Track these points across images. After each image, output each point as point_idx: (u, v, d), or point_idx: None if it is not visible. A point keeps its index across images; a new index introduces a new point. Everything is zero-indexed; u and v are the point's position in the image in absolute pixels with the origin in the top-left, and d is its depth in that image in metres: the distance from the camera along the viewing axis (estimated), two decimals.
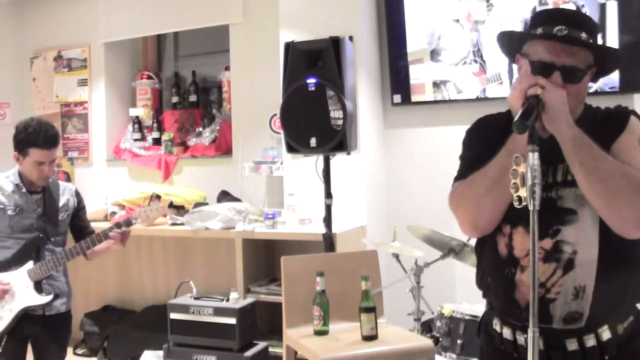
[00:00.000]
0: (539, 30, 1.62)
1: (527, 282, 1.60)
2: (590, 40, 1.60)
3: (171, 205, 3.15)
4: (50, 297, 2.89)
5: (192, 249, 4.59)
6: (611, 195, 1.50)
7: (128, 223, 3.00)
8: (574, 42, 1.58)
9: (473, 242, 1.84)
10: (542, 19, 1.65)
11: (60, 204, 3.02)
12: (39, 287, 2.88)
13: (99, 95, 5.26)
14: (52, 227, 2.97)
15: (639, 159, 1.55)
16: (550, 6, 3.66)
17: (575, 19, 1.63)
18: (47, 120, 2.96)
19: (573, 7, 3.55)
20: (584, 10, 3.53)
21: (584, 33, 1.59)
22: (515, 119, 1.46)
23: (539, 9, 3.63)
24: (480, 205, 1.64)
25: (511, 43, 1.79)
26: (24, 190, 2.93)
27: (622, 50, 3.47)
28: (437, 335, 3.29)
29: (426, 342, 2.79)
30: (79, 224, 3.10)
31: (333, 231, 3.39)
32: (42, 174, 2.89)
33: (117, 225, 2.98)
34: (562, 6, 3.59)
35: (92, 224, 3.23)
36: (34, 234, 2.91)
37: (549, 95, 1.52)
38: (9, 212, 2.88)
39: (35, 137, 2.81)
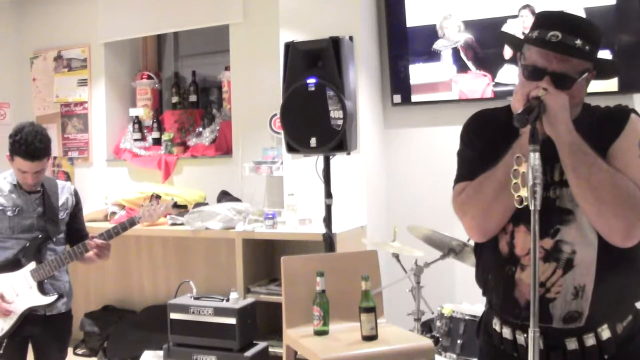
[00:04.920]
0: (535, 34, 1.61)
1: (526, 281, 1.61)
2: (587, 47, 1.58)
3: (175, 205, 3.15)
4: (54, 297, 2.89)
5: (192, 249, 4.59)
6: (600, 205, 1.51)
7: (132, 223, 3.00)
8: (564, 50, 1.57)
9: (473, 241, 1.84)
10: (541, 22, 1.64)
11: (60, 202, 3.01)
12: (42, 287, 2.88)
13: (99, 95, 5.26)
14: (53, 226, 2.95)
15: (634, 166, 1.55)
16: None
17: (573, 24, 1.60)
18: (42, 129, 2.86)
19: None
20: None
21: (579, 40, 1.57)
22: (516, 113, 1.48)
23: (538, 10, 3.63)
24: (489, 211, 1.63)
25: (512, 42, 1.79)
26: (22, 190, 2.92)
27: (620, 50, 3.48)
28: (437, 335, 3.29)
29: (426, 342, 2.79)
30: (75, 225, 3.07)
31: (333, 231, 3.39)
32: (25, 181, 2.88)
33: (102, 235, 2.94)
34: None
35: (92, 224, 3.22)
36: (35, 234, 2.91)
37: (550, 98, 1.53)
38: (9, 213, 2.88)
39: (18, 146, 2.77)
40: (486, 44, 3.89)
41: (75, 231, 3.07)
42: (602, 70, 1.68)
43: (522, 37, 1.75)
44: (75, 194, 3.11)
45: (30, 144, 2.77)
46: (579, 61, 1.59)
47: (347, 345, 2.73)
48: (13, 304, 2.85)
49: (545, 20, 1.64)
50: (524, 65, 1.64)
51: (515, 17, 3.77)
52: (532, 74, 1.60)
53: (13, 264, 2.88)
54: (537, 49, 1.60)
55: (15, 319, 2.84)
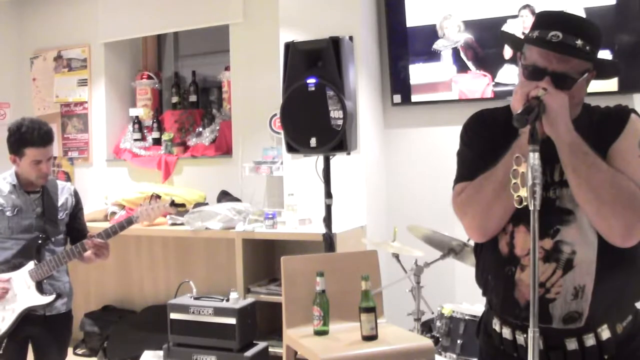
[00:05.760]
0: (536, 34, 1.61)
1: (526, 282, 1.61)
2: (587, 47, 1.58)
3: (172, 203, 3.14)
4: (52, 297, 2.88)
5: (192, 249, 4.59)
6: (600, 204, 1.51)
7: (129, 222, 2.99)
8: (565, 50, 1.57)
9: (473, 241, 1.84)
10: (541, 22, 1.64)
11: (59, 203, 3.01)
12: (40, 287, 2.88)
13: (99, 95, 5.26)
14: (52, 227, 2.95)
15: (634, 166, 1.55)
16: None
17: (574, 25, 1.61)
18: (38, 118, 2.95)
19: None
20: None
21: (579, 40, 1.57)
22: (516, 113, 1.48)
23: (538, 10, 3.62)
24: (489, 211, 1.63)
25: (512, 42, 1.79)
26: (21, 190, 2.92)
27: (620, 50, 3.48)
28: (437, 335, 3.29)
29: (426, 342, 2.80)
30: (76, 225, 3.08)
31: (333, 231, 3.39)
32: (41, 172, 2.88)
33: (99, 234, 2.92)
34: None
35: (92, 224, 3.20)
36: (34, 234, 2.90)
37: (550, 97, 1.52)
38: (8, 214, 2.88)
39: (29, 136, 2.79)
40: (486, 44, 3.89)
41: (77, 231, 3.07)
42: (602, 70, 1.67)
43: (522, 37, 1.75)
44: (75, 194, 3.10)
45: (39, 129, 2.81)
46: (580, 61, 1.59)
47: (347, 345, 2.73)
48: (10, 303, 2.85)
49: (545, 20, 1.63)
50: (525, 65, 1.64)
51: (515, 17, 3.77)
52: (533, 74, 1.60)
53: (12, 264, 2.88)
54: (538, 49, 1.60)
55: (14, 319, 2.84)
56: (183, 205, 4.26)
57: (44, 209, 2.95)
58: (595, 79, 1.66)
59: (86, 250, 2.93)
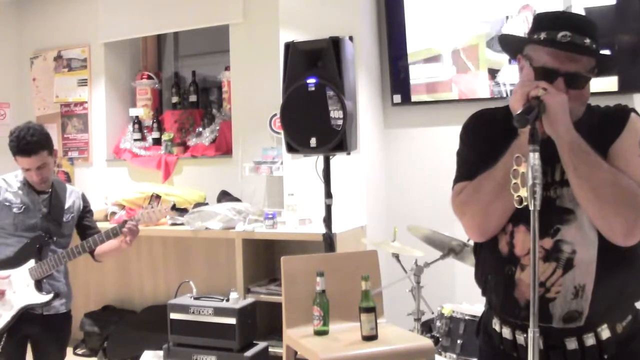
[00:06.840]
0: (543, 35, 1.61)
1: (526, 281, 1.61)
2: (594, 45, 1.59)
3: (174, 207, 3.15)
4: (50, 296, 2.90)
5: (192, 249, 4.59)
6: (601, 204, 1.51)
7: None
8: (579, 50, 1.58)
9: (473, 241, 1.84)
10: (546, 23, 1.63)
11: (66, 205, 3.03)
12: (39, 286, 2.89)
13: (99, 95, 5.26)
14: (55, 228, 2.98)
15: (635, 165, 1.55)
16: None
17: (579, 24, 1.61)
18: (36, 125, 2.91)
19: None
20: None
21: (587, 39, 1.58)
22: (516, 113, 1.47)
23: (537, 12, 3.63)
24: (489, 211, 1.63)
25: (513, 44, 1.79)
26: (30, 189, 2.96)
27: (620, 50, 3.49)
28: (437, 335, 3.29)
29: (426, 342, 2.79)
30: (85, 224, 3.12)
31: (333, 231, 3.39)
32: (31, 179, 2.92)
33: (125, 222, 2.97)
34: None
35: None
36: (37, 233, 2.92)
37: (550, 97, 1.52)
38: (15, 210, 2.91)
39: (14, 145, 2.83)
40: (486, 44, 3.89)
41: (88, 229, 3.12)
42: (604, 66, 1.68)
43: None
44: (84, 198, 3.15)
45: (22, 139, 2.82)
46: (588, 59, 1.60)
47: (347, 345, 2.73)
48: (9, 300, 2.85)
49: (550, 21, 1.63)
50: (535, 67, 1.62)
51: (515, 17, 3.77)
52: (544, 75, 1.59)
53: (13, 261, 2.89)
54: (547, 50, 1.60)
55: (11, 316, 2.85)
56: (185, 209, 4.27)
57: (50, 209, 2.97)
58: (597, 74, 1.66)
59: (117, 235, 2.93)
